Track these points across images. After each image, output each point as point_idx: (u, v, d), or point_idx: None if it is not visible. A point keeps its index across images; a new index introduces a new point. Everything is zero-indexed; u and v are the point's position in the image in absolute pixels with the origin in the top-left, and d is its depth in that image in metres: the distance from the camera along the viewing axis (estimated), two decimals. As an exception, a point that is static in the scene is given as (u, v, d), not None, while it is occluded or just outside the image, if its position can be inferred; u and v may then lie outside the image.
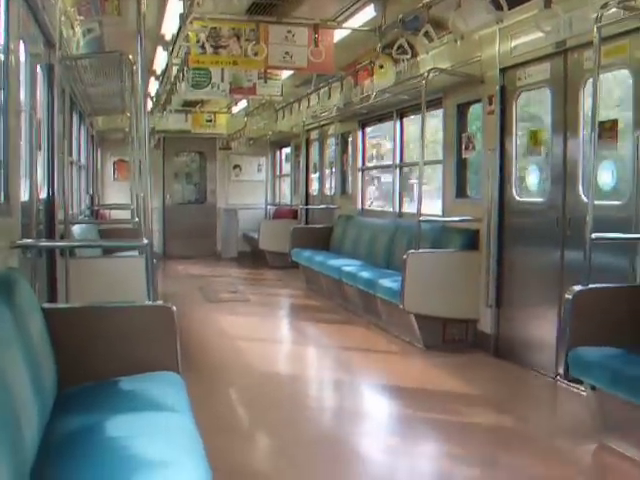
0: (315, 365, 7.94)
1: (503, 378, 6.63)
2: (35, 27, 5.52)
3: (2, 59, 3.99)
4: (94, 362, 3.86)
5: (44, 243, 5.28)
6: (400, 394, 6.37)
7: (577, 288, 4.79)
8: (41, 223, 5.56)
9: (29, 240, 4.40)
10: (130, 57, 6.79)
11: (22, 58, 4.71)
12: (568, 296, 4.78)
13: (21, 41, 4.50)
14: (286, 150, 16.85)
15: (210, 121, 17.00)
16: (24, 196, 4.66)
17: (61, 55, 6.38)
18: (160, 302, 4.15)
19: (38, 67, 6.01)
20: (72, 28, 7.80)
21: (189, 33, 7.74)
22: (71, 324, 3.88)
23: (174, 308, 4.06)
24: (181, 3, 7.29)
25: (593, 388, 4.68)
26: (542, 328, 6.55)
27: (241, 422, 5.60)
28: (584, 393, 4.94)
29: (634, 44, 5.40)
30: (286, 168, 17.09)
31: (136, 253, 6.34)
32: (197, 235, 17.30)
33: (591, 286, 4.84)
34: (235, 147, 17.20)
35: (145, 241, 4.25)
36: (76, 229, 7.90)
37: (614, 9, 4.92)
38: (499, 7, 5.87)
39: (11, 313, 3.00)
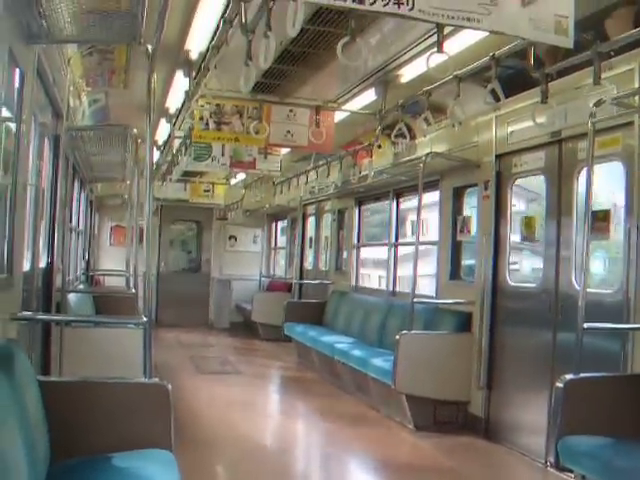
0: (304, 441, 7.89)
1: (493, 463, 6.59)
2: (45, 99, 5.65)
3: (14, 132, 4.09)
4: (87, 436, 3.85)
5: (43, 316, 5.31)
6: (389, 474, 6.33)
7: (568, 377, 4.82)
8: (39, 290, 5.60)
9: (28, 313, 4.43)
10: (134, 130, 6.91)
11: (32, 130, 4.81)
12: (559, 385, 4.80)
13: (32, 115, 4.61)
14: (282, 223, 16.97)
15: (208, 191, 17.12)
16: (26, 266, 4.71)
17: (67, 126, 6.51)
18: (156, 380, 4.17)
19: (45, 138, 6.12)
20: (79, 98, 7.96)
21: (193, 109, 7.90)
22: (66, 397, 3.89)
23: (169, 386, 4.07)
24: (187, 80, 7.48)
25: (583, 478, 4.68)
26: (533, 412, 6.55)
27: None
28: (574, 482, 4.93)
29: (626, 136, 5.55)
30: (281, 241, 17.19)
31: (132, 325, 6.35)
32: (190, 304, 17.28)
33: (582, 375, 4.86)
34: (232, 218, 17.31)
35: (144, 318, 4.28)
36: (72, 296, 7.92)
37: (609, 105, 5.08)
38: (497, 98, 6.03)
39: (9, 385, 3.02)
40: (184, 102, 7.83)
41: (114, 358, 5.80)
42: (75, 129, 7.08)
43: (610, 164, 5.77)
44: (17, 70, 4.10)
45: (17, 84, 4.13)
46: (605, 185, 6.14)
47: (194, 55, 6.97)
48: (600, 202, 5.96)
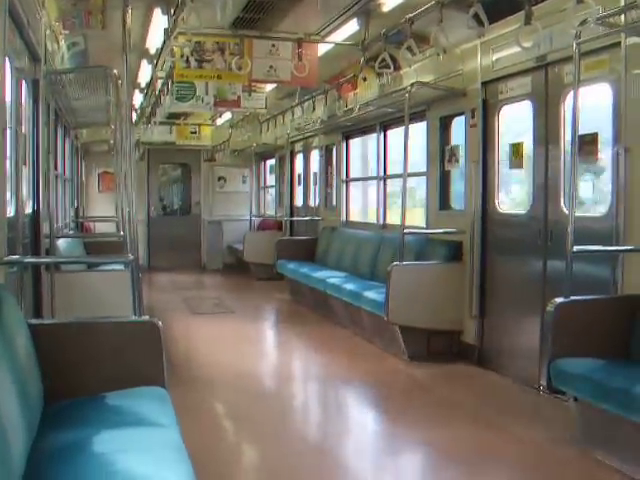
0: (300, 377, 7.97)
1: (486, 389, 6.66)
2: (20, 42, 5.54)
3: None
4: (80, 377, 3.87)
5: (30, 259, 5.28)
6: (384, 405, 6.41)
7: (558, 300, 4.85)
8: (26, 237, 5.56)
9: (15, 256, 4.40)
10: (115, 71, 6.80)
11: (7, 74, 4.72)
12: (550, 308, 4.84)
13: (6, 57, 4.52)
14: (270, 162, 16.89)
15: (194, 133, 17.02)
16: (10, 212, 4.67)
17: (46, 69, 6.40)
18: (146, 317, 4.17)
19: (23, 82, 6.02)
20: (57, 42, 7.81)
21: (173, 47, 7.77)
22: (57, 340, 3.90)
23: (160, 323, 4.08)
24: (165, 18, 7.33)
25: (575, 399, 4.74)
26: (525, 338, 6.62)
27: (226, 435, 5.61)
28: (567, 404, 4.98)
29: (613, 58, 5.48)
30: (270, 180, 17.13)
31: (121, 267, 6.35)
32: (182, 247, 17.30)
33: (572, 298, 4.90)
34: (219, 159, 17.22)
35: (131, 257, 4.27)
36: (61, 242, 7.91)
37: (593, 25, 5.00)
38: (480, 22, 5.94)
39: (-3, 329, 3.02)
40: (164, 41, 7.68)
41: (105, 301, 5.81)
42: (54, 72, 6.96)
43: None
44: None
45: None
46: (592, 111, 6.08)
47: (171, -10, 6.82)
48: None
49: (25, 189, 5.68)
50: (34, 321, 4.06)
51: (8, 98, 4.71)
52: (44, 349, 3.73)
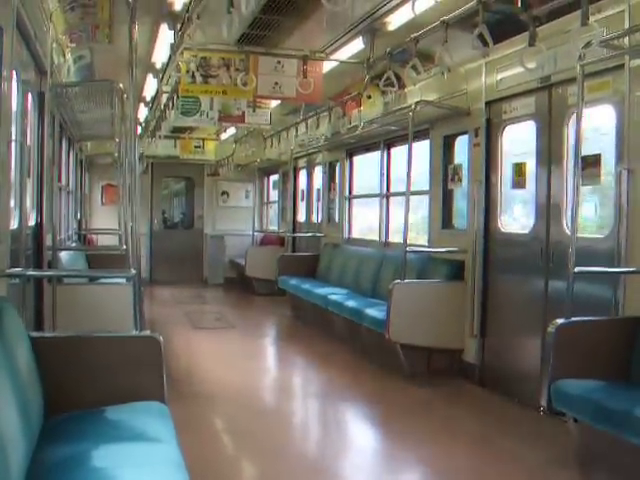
0: (299, 394, 7.94)
1: (486, 408, 6.65)
2: (27, 55, 5.57)
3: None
4: (81, 391, 3.87)
5: (33, 272, 5.29)
6: (384, 423, 6.40)
7: (560, 321, 4.85)
8: (29, 249, 5.58)
9: (18, 269, 4.41)
10: (120, 85, 6.84)
11: (14, 86, 4.75)
12: (551, 329, 4.83)
13: (13, 70, 4.55)
14: (274, 177, 16.91)
15: (199, 147, 17.08)
16: (14, 224, 4.69)
17: (52, 82, 6.44)
18: (147, 332, 4.18)
19: (29, 94, 6.05)
20: (63, 55, 7.86)
21: (179, 62, 7.81)
22: (58, 353, 3.90)
23: (161, 339, 4.08)
24: (172, 33, 7.38)
25: (575, 420, 4.73)
26: (526, 358, 6.60)
27: (226, 450, 5.60)
28: (567, 424, 4.97)
29: (617, 80, 5.51)
30: (273, 195, 17.14)
31: (123, 280, 6.35)
32: (184, 261, 17.31)
33: (574, 319, 4.90)
34: (223, 173, 17.25)
35: (133, 271, 4.28)
36: (64, 255, 7.92)
37: (597, 47, 5.02)
38: (485, 43, 5.97)
39: (-1, 342, 3.02)
40: (170, 56, 7.73)
41: (107, 315, 5.81)
42: (60, 85, 7.00)
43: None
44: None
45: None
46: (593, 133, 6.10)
47: (178, 6, 6.86)
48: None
49: (29, 201, 5.71)
50: (35, 334, 4.05)
51: (14, 110, 4.74)
52: (45, 362, 3.74)
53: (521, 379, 6.68)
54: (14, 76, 4.58)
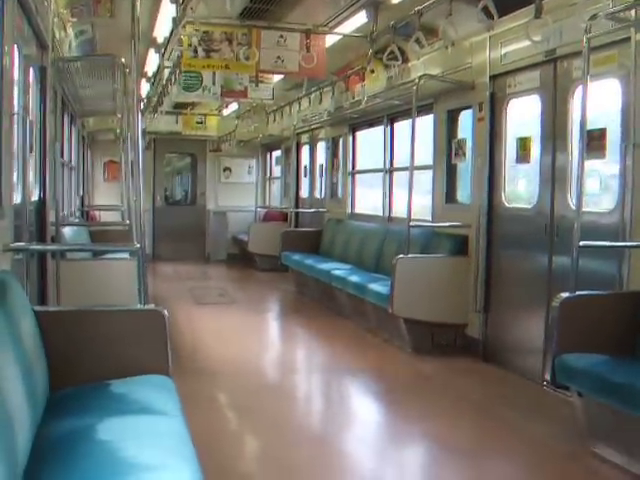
0: (303, 368, 7.96)
1: (490, 383, 6.67)
2: (28, 29, 5.53)
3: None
4: (85, 365, 3.88)
5: (36, 246, 5.28)
6: (388, 397, 6.42)
7: (564, 295, 4.84)
8: (32, 225, 5.57)
9: (21, 243, 4.41)
10: (122, 60, 6.80)
11: (15, 60, 4.72)
12: (555, 303, 4.82)
13: (15, 44, 4.51)
14: (276, 153, 16.86)
15: (201, 123, 17.04)
16: (16, 199, 4.68)
17: (54, 57, 6.40)
18: (152, 306, 4.18)
19: (31, 69, 6.02)
20: (64, 30, 7.81)
21: (181, 37, 7.76)
22: (63, 327, 3.90)
23: (165, 312, 4.08)
24: (174, 7, 7.31)
25: (579, 394, 4.73)
26: (530, 333, 6.60)
27: (229, 425, 5.62)
28: (570, 399, 4.98)
29: (623, 54, 5.46)
30: (276, 171, 17.11)
31: (126, 255, 6.35)
32: (187, 237, 17.30)
33: (578, 293, 4.89)
34: (225, 149, 17.20)
35: (137, 245, 4.27)
36: (67, 231, 7.91)
37: (603, 20, 4.98)
38: (490, 15, 5.92)
39: (3, 316, 3.01)
40: (172, 30, 7.68)
41: (110, 290, 5.82)
42: (61, 60, 6.96)
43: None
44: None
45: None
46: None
47: (180, -21, 6.81)
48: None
49: (32, 176, 5.69)
50: (39, 308, 4.06)
51: (16, 85, 4.71)
52: (49, 336, 3.74)
53: (524, 354, 6.69)
54: (15, 50, 4.55)
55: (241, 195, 17.16)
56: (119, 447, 2.81)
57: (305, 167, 14.46)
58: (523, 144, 6.81)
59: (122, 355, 3.96)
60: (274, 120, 14.39)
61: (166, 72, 10.30)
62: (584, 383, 4.56)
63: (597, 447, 4.66)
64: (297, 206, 14.51)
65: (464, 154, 7.87)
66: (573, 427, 4.95)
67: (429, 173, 8.65)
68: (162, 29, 8.44)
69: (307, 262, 10.98)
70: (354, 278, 8.92)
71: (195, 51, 8.09)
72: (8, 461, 2.34)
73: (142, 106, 13.90)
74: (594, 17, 4.93)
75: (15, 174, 4.63)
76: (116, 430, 3.03)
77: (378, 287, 8.06)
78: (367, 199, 11.85)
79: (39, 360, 3.50)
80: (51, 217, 6.32)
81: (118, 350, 3.96)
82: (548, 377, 4.86)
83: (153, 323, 4.05)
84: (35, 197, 6.06)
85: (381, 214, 10.50)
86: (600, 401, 4.43)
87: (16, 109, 4.65)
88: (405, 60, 8.35)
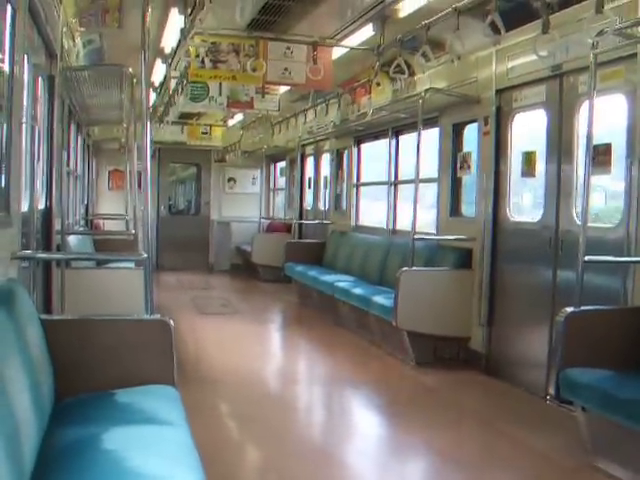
0: (305, 379, 7.95)
1: (493, 396, 6.66)
2: (38, 39, 5.57)
3: (7, 71, 4.03)
4: (91, 373, 3.88)
5: (43, 255, 5.31)
6: (390, 409, 6.41)
7: (569, 310, 4.84)
8: (38, 232, 5.59)
9: (29, 252, 4.43)
10: (130, 70, 6.83)
11: (25, 69, 4.75)
12: (560, 318, 4.82)
13: (25, 54, 4.54)
14: (281, 164, 16.89)
15: (206, 133, 17.08)
16: (24, 207, 4.69)
17: (62, 66, 6.43)
18: (158, 316, 4.19)
19: (39, 78, 6.05)
20: (73, 39, 7.85)
21: (189, 47, 7.80)
22: (69, 335, 3.91)
23: (172, 322, 4.09)
24: (182, 18, 7.36)
25: (583, 409, 4.72)
26: (533, 347, 6.60)
27: (232, 435, 5.62)
28: (574, 414, 4.97)
29: (629, 70, 5.48)
30: (280, 182, 17.13)
31: (132, 265, 6.37)
32: (190, 247, 17.31)
33: (583, 308, 4.89)
34: (230, 160, 17.23)
35: (144, 255, 4.28)
36: (72, 239, 7.93)
37: (610, 35, 4.99)
38: (497, 30, 5.94)
39: (11, 324, 3.03)
40: (180, 41, 7.71)
41: (116, 299, 5.83)
42: (70, 69, 7.00)
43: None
44: (8, 7, 4.02)
45: (8, 22, 4.05)
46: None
47: (189, -9, 6.84)
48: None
49: (39, 184, 5.71)
50: (45, 316, 4.07)
51: (25, 94, 4.74)
52: (56, 344, 3.75)
53: (528, 368, 6.68)
54: (25, 60, 4.58)
55: (245, 206, 17.20)
56: (124, 457, 2.82)
57: (309, 179, 14.47)
58: (528, 158, 6.82)
59: (127, 364, 3.96)
60: (279, 131, 14.42)
61: (173, 82, 10.34)
62: (588, 398, 4.55)
63: (600, 462, 4.66)
64: (301, 217, 14.52)
65: (469, 167, 7.88)
66: (576, 442, 4.94)
67: (434, 187, 8.65)
68: (170, 40, 8.48)
69: (310, 273, 10.98)
70: (358, 290, 8.92)
71: (202, 62, 8.13)
72: (14, 469, 2.35)
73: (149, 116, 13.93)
74: (601, 33, 4.95)
75: (23, 182, 4.66)
76: (121, 439, 3.03)
77: (382, 299, 8.06)
78: (373, 212, 11.88)
79: (45, 368, 3.51)
80: (56, 225, 6.34)
81: (123, 359, 3.97)
82: (552, 391, 4.86)
83: (159, 333, 4.05)
84: (42, 205, 6.08)
85: (385, 227, 10.51)
86: (604, 416, 4.42)
87: (24, 118, 4.67)
88: (411, 73, 8.38)
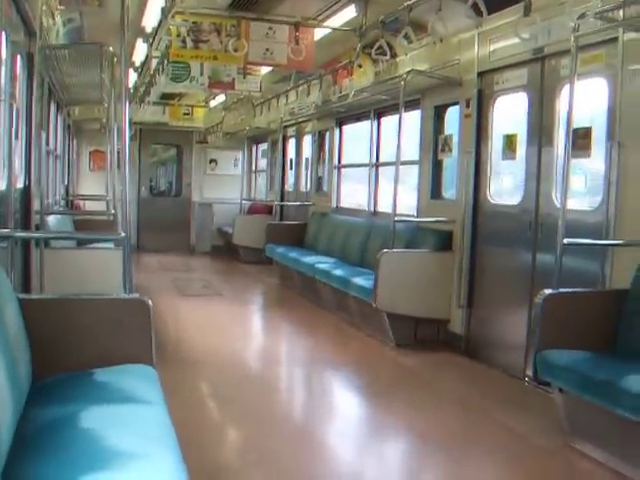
0: (286, 361, 7.97)
1: (472, 378, 6.70)
2: (16, 16, 5.50)
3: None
4: (69, 353, 3.87)
5: (21, 234, 5.27)
6: (370, 390, 6.43)
7: (547, 292, 4.87)
8: (17, 212, 5.54)
9: (6, 230, 4.40)
10: (110, 49, 6.78)
11: (3, 47, 4.69)
12: (538, 300, 4.85)
13: (2, 31, 4.49)
14: (263, 146, 16.86)
15: (187, 114, 16.99)
16: (1, 185, 4.66)
17: (41, 44, 6.36)
18: (136, 295, 4.17)
19: (18, 56, 5.99)
20: (52, 17, 7.76)
21: (170, 27, 7.74)
22: (47, 315, 3.89)
23: (150, 301, 4.08)
24: (163, -4, 7.31)
25: (561, 390, 4.76)
26: (512, 329, 6.64)
27: (211, 415, 5.63)
28: (552, 395, 5.01)
29: (610, 53, 5.49)
30: (262, 164, 17.09)
31: (111, 245, 6.33)
32: (171, 228, 17.28)
33: (561, 290, 4.92)
34: (212, 141, 17.17)
35: (122, 234, 4.27)
36: (51, 219, 7.88)
37: (591, 19, 5.00)
38: (479, 12, 5.94)
39: (-14, 302, 3.01)
40: (161, 20, 7.65)
41: (94, 279, 5.79)
42: (49, 48, 6.92)
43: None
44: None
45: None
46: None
47: (169, -31, 6.79)
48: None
49: (17, 163, 5.66)
50: (23, 296, 4.05)
51: (3, 71, 4.69)
52: (33, 324, 3.72)
53: (507, 350, 6.73)
54: (3, 37, 4.53)
55: (227, 187, 17.16)
56: (102, 435, 2.81)
57: (291, 160, 14.45)
58: (509, 141, 6.84)
59: (106, 344, 3.95)
60: (261, 113, 14.36)
61: (154, 62, 10.27)
62: (565, 379, 4.59)
63: (577, 443, 4.70)
64: (282, 199, 14.50)
65: (450, 150, 7.88)
66: (554, 423, 4.98)
67: (416, 169, 8.66)
68: (151, 19, 8.41)
69: (291, 255, 10.98)
70: (338, 272, 8.94)
71: (184, 41, 8.08)
72: (-9, 448, 2.34)
73: (129, 96, 13.85)
74: (582, 16, 4.96)
75: (1, 161, 4.62)
76: (99, 418, 3.03)
77: (362, 281, 8.08)
78: (354, 193, 11.88)
79: (23, 348, 3.49)
80: (36, 205, 6.29)
81: (102, 339, 3.96)
82: (530, 373, 4.89)
83: (137, 312, 4.04)
84: (20, 184, 6.03)
85: (366, 208, 10.52)
86: (581, 397, 4.46)
87: (2, 96, 4.63)
88: (393, 55, 8.36)
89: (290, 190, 14.57)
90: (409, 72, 7.75)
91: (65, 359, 3.83)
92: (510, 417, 5.47)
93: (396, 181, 7.78)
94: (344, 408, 6.21)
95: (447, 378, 6.70)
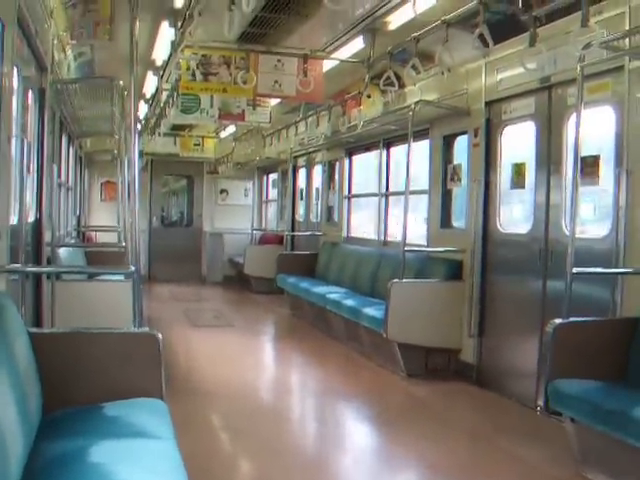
0: (297, 391, 7.95)
1: (484, 407, 6.66)
2: (28, 51, 5.57)
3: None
4: (79, 387, 3.87)
5: (32, 269, 5.30)
6: (381, 421, 6.40)
7: (558, 321, 4.85)
8: (28, 245, 5.58)
9: (17, 265, 4.42)
10: (120, 82, 6.85)
11: (15, 82, 4.75)
12: (549, 329, 4.84)
13: (15, 66, 4.55)
14: (273, 176, 16.92)
15: (198, 145, 17.07)
16: (13, 220, 4.69)
17: (53, 79, 6.44)
18: (146, 329, 4.18)
19: (30, 91, 6.05)
20: (64, 52, 7.86)
21: (180, 60, 7.82)
22: (57, 348, 3.90)
23: (160, 335, 4.08)
24: (173, 31, 7.39)
25: (572, 420, 4.73)
26: (523, 358, 6.62)
27: (223, 448, 5.61)
28: (563, 424, 4.98)
29: (616, 82, 5.52)
30: (273, 194, 17.15)
31: (122, 277, 6.36)
32: (183, 258, 17.32)
33: (572, 319, 4.90)
34: (222, 171, 17.25)
35: (132, 268, 4.28)
36: (63, 251, 7.92)
37: (597, 48, 5.03)
38: (485, 43, 5.98)
39: (-1, 337, 3.03)
40: (171, 53, 7.74)
41: (105, 312, 5.81)
42: (60, 82, 7.00)
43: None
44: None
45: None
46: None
47: (179, 3, 6.86)
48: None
49: (29, 197, 5.71)
50: (34, 330, 4.06)
51: (15, 106, 4.74)
52: (44, 358, 3.74)
53: (518, 379, 6.69)
54: (15, 72, 4.59)
55: (237, 217, 17.21)
56: (112, 470, 2.81)
57: (301, 190, 14.49)
58: (518, 170, 6.86)
59: (116, 378, 3.95)
60: (271, 143, 14.43)
61: (164, 94, 10.36)
62: (576, 409, 4.57)
63: (589, 472, 4.67)
64: (293, 229, 14.54)
65: (459, 179, 7.90)
66: (566, 452, 4.95)
67: (426, 198, 8.67)
68: (161, 52, 8.51)
69: (302, 285, 10.98)
70: (349, 302, 8.93)
71: (193, 74, 8.15)
72: (1, 482, 2.35)
73: (140, 127, 13.96)
74: (588, 46, 4.99)
75: (12, 195, 4.65)
76: (109, 453, 3.03)
77: (373, 311, 8.07)
78: (365, 223, 11.90)
79: (33, 382, 3.50)
80: (47, 238, 6.33)
81: (112, 372, 3.96)
82: (541, 403, 4.86)
83: (147, 346, 4.05)
84: (32, 218, 6.07)
85: (376, 238, 10.52)
86: (592, 427, 4.43)
87: (14, 131, 4.68)
88: (401, 85, 8.41)
89: (301, 220, 14.59)
90: (417, 102, 7.79)
91: (75, 393, 3.84)
92: (522, 447, 5.43)
93: (405, 211, 7.79)
94: (355, 439, 6.18)
95: (458, 408, 6.67)
